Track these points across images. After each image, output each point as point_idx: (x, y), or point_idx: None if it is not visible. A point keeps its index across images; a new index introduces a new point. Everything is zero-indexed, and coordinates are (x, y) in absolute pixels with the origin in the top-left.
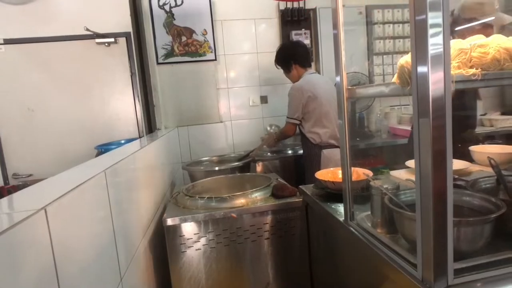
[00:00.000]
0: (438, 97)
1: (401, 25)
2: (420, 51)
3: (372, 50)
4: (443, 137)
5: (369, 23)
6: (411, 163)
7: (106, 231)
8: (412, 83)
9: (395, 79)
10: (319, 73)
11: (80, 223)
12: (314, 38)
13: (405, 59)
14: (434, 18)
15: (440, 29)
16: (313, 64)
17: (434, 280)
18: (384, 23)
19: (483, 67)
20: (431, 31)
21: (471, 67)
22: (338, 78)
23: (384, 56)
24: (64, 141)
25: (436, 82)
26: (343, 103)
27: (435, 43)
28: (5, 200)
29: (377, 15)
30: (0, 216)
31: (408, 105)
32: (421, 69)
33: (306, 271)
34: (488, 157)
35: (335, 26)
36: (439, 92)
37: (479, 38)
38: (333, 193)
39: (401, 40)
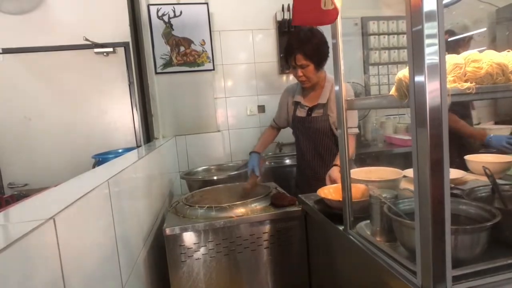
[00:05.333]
0: (435, 106)
1: (395, 36)
2: (417, 62)
3: (368, 61)
4: (441, 146)
5: (365, 34)
6: (408, 172)
7: (109, 240)
8: (410, 93)
9: (393, 91)
10: None
11: (85, 232)
12: None
13: (403, 73)
14: (430, 28)
15: (436, 39)
16: None
17: (433, 287)
18: (379, 34)
19: (477, 81)
20: (427, 41)
21: (465, 81)
22: (337, 88)
23: (380, 66)
24: (61, 150)
25: (433, 91)
26: (342, 113)
27: (431, 53)
28: (13, 209)
29: (372, 27)
30: (11, 226)
31: (404, 114)
32: (418, 78)
33: (305, 280)
34: (483, 166)
35: (334, 36)
36: (436, 101)
37: (472, 53)
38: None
39: (396, 51)
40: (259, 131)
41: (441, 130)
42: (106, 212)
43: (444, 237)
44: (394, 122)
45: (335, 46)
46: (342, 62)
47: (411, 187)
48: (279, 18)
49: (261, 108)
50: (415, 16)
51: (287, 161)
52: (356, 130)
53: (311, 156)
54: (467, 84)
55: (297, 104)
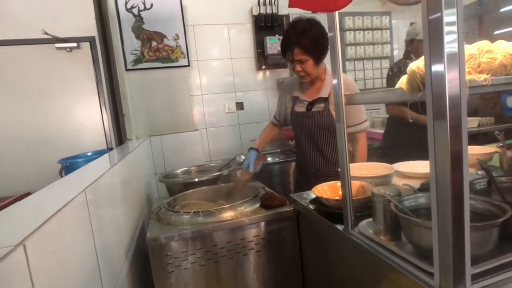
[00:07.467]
0: (455, 96)
1: (370, 31)
2: (435, 51)
3: (345, 56)
4: (460, 138)
5: (341, 30)
6: (400, 166)
7: (88, 257)
8: (427, 84)
9: (401, 84)
10: None
11: (61, 254)
12: None
13: (416, 64)
14: (449, 16)
15: (455, 27)
16: (287, 69)
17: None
18: (355, 30)
19: (491, 72)
20: (446, 29)
21: (479, 72)
22: (335, 82)
23: (356, 62)
24: (21, 155)
25: (452, 81)
26: (341, 107)
27: (450, 41)
28: None
29: (348, 22)
30: None
31: (379, 109)
32: (436, 68)
33: (299, 282)
34: (477, 159)
35: (331, 29)
36: (455, 91)
37: (485, 44)
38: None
39: (371, 46)
40: (239, 128)
41: (461, 122)
42: (85, 227)
43: (464, 234)
44: (370, 116)
45: (332, 39)
46: (340, 55)
47: (401, 182)
48: (255, 12)
49: (240, 105)
50: (433, 3)
51: (269, 159)
52: (366, 124)
53: (312, 153)
54: (484, 76)
55: (295, 99)
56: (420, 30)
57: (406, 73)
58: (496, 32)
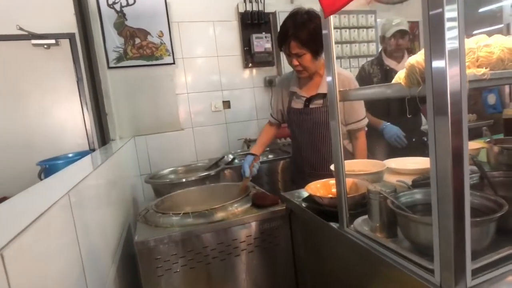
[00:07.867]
0: (456, 92)
1: (356, 30)
2: (435, 46)
3: None
4: (461, 133)
5: None
6: (391, 162)
7: (73, 264)
8: (427, 81)
9: (399, 79)
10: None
11: (43, 261)
12: (275, 41)
13: (415, 59)
14: (450, 11)
15: (456, 22)
16: (274, 67)
17: (455, 284)
18: (341, 28)
19: (489, 66)
20: (447, 24)
21: (478, 66)
22: (329, 78)
23: (342, 60)
24: None
25: (453, 77)
26: (335, 103)
27: (451, 37)
28: None
29: (334, 20)
30: None
31: None
32: (437, 64)
33: (292, 281)
34: (470, 154)
35: (325, 26)
36: (456, 87)
37: (482, 38)
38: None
39: (357, 44)
40: (226, 127)
41: (461, 117)
42: (69, 232)
43: (464, 230)
44: None
45: (327, 36)
46: (334, 52)
47: (397, 178)
48: (241, 9)
49: (227, 104)
50: None
51: None
52: (366, 121)
53: (309, 151)
54: (483, 70)
55: (293, 94)
56: (387, 28)
57: (373, 72)
58: (474, 32)
